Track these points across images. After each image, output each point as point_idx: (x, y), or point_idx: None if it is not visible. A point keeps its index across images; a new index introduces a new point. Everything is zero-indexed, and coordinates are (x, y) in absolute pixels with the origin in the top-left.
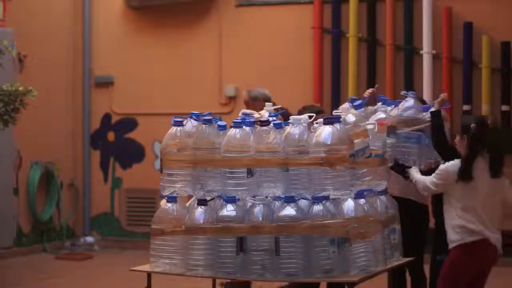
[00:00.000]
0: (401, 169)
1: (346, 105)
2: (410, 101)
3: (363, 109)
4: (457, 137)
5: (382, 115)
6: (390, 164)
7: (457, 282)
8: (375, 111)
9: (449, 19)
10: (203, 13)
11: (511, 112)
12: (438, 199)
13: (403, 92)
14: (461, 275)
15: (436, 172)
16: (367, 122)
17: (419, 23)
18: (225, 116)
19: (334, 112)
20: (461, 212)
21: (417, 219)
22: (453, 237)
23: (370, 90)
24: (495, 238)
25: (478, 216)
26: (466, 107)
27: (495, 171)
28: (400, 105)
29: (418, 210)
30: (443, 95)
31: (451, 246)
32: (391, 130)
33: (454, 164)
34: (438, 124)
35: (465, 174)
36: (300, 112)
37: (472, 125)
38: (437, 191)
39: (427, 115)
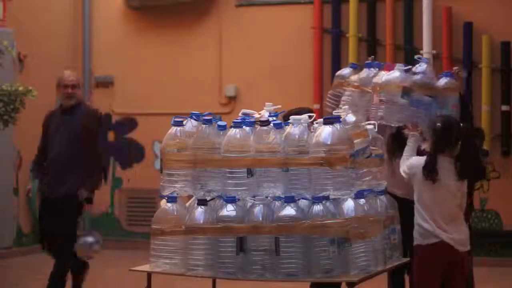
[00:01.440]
0: (401, 140)
1: (346, 70)
2: (422, 66)
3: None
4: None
5: (397, 74)
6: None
7: (426, 281)
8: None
9: (449, 19)
10: (203, 13)
11: (511, 112)
12: None
13: (417, 56)
14: (427, 274)
15: (409, 161)
16: (367, 122)
17: (419, 23)
18: (225, 116)
19: (334, 112)
20: (419, 210)
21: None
22: (414, 235)
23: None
24: (450, 238)
25: (432, 215)
26: None
27: (461, 173)
28: (413, 69)
29: None
30: (456, 69)
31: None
32: (406, 91)
33: (419, 159)
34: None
35: (429, 172)
36: (286, 116)
37: (438, 124)
38: (404, 177)
39: (441, 83)
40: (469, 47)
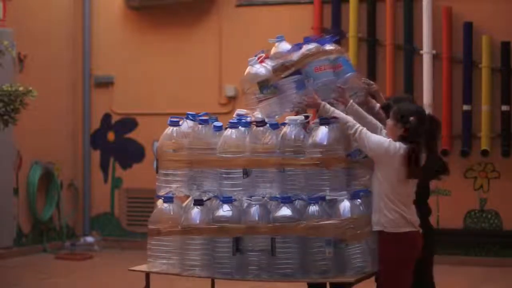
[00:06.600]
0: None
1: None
2: (277, 47)
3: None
4: (391, 122)
5: (252, 70)
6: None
7: (401, 273)
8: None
9: (449, 19)
10: (203, 13)
11: (511, 112)
12: None
13: (270, 40)
14: (401, 265)
15: (375, 136)
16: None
17: (419, 23)
18: (225, 116)
19: None
20: (397, 196)
21: None
22: (381, 221)
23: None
24: (417, 223)
25: (406, 203)
26: (466, 107)
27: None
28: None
29: None
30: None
31: (381, 229)
32: (262, 85)
33: (391, 142)
34: None
35: (416, 172)
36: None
37: (412, 118)
38: (370, 153)
39: (296, 56)
40: (469, 47)
